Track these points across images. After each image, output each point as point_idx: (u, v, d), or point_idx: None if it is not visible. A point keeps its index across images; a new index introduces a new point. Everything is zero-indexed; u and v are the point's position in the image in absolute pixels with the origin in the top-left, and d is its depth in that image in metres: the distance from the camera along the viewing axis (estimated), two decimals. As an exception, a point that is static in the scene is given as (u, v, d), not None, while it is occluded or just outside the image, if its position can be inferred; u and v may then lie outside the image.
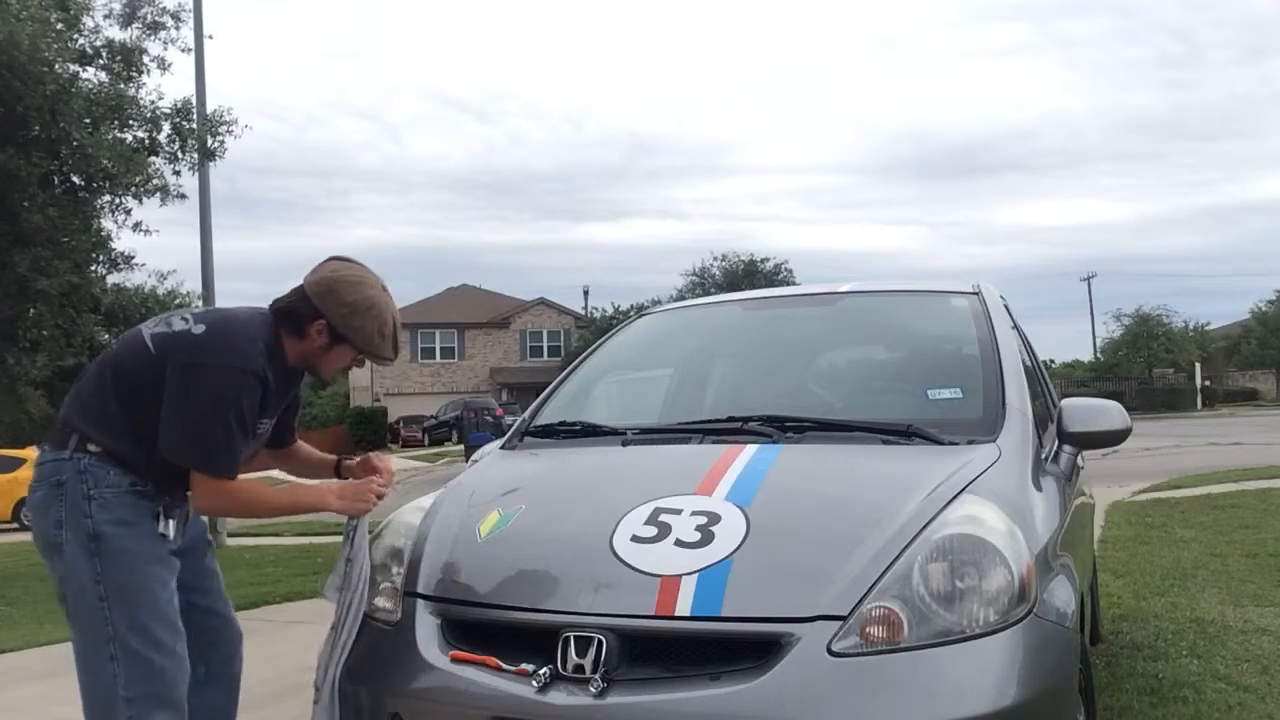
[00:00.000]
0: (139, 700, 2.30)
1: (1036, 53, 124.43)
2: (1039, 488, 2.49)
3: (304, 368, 2.58)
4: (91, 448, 2.34)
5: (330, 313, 2.46)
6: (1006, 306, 3.35)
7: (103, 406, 2.38)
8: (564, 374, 3.59)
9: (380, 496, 2.57)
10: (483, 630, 2.25)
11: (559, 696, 2.02)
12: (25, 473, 17.90)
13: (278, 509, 2.60)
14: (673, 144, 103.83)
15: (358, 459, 2.77)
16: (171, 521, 2.44)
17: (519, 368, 47.86)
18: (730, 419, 2.81)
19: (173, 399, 2.31)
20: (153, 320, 2.50)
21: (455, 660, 2.19)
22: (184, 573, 2.51)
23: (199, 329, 2.38)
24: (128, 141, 10.03)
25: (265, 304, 2.57)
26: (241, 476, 2.47)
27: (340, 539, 2.63)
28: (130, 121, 10.06)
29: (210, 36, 12.74)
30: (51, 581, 2.39)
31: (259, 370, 2.36)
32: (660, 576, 2.12)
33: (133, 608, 2.31)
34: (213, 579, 2.70)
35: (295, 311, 2.49)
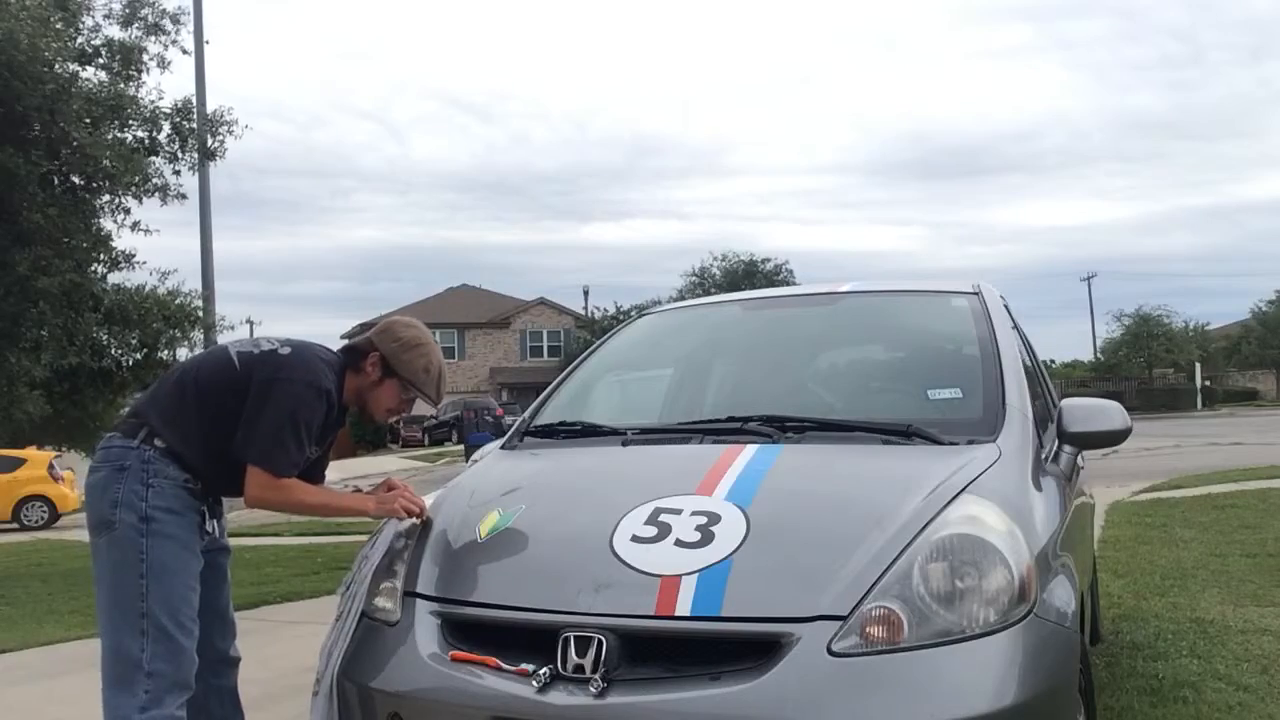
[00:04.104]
0: (158, 676, 2.48)
1: (1038, 53, 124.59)
2: (1039, 488, 2.49)
3: (356, 404, 2.83)
4: (158, 443, 2.59)
5: (384, 347, 2.76)
6: (1006, 306, 3.35)
7: (179, 410, 2.64)
8: (564, 374, 3.59)
9: (416, 506, 2.70)
10: (483, 630, 2.25)
11: (559, 696, 2.02)
12: (25, 473, 17.94)
13: (318, 507, 2.80)
14: (675, 145, 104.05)
15: (379, 484, 2.90)
16: (215, 521, 2.75)
17: (519, 368, 47.86)
18: (730, 419, 2.81)
19: (254, 406, 2.58)
20: (238, 341, 2.79)
21: (455, 660, 2.19)
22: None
23: (285, 351, 2.68)
24: (127, 141, 10.01)
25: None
26: None
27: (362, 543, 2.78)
28: (130, 121, 10.04)
29: (208, 41, 12.72)
30: (90, 563, 2.59)
31: (330, 391, 2.67)
32: (660, 576, 2.12)
33: (168, 589, 2.52)
34: (224, 582, 2.91)
35: (356, 347, 2.80)
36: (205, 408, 2.62)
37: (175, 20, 10.59)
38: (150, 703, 2.46)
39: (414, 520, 2.69)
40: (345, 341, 2.91)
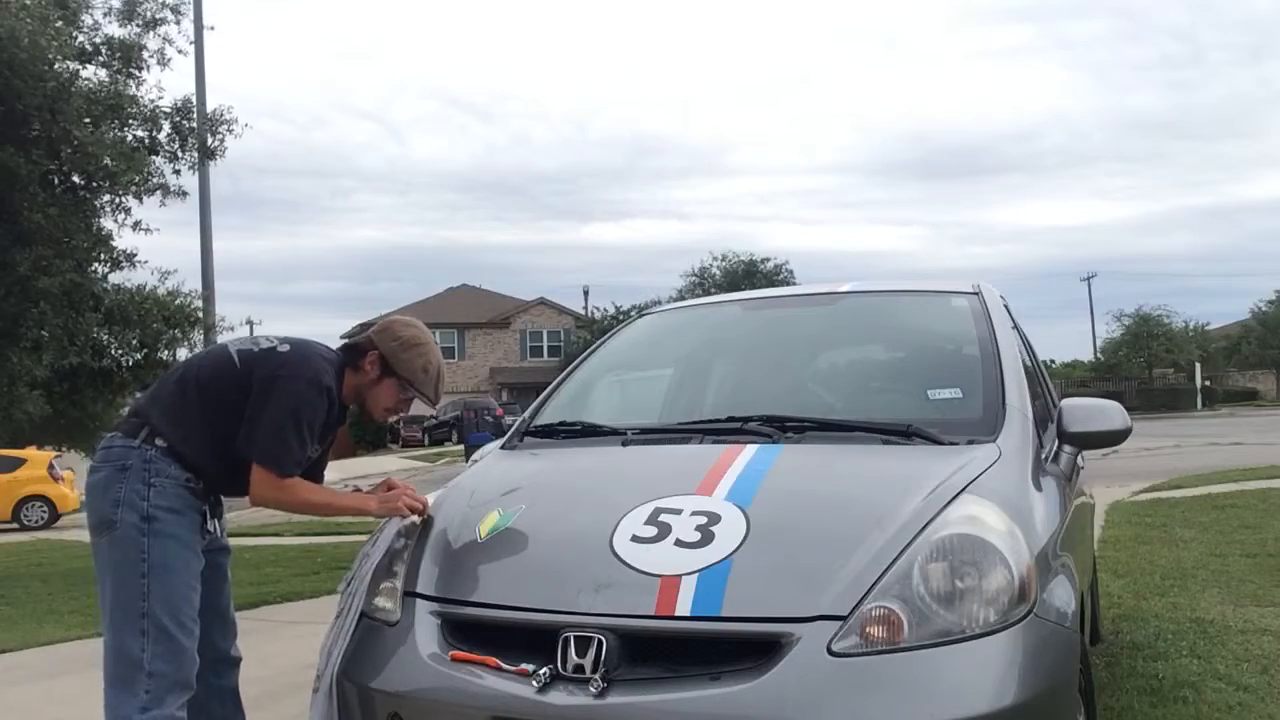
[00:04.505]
0: (159, 676, 2.48)
1: (1038, 53, 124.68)
2: (1039, 488, 2.49)
3: (356, 402, 2.83)
4: (159, 442, 2.59)
5: (383, 346, 2.75)
6: (1006, 306, 3.35)
7: (181, 410, 2.63)
8: (564, 374, 3.59)
9: (419, 504, 2.73)
10: (483, 630, 2.25)
11: (559, 696, 2.02)
12: (25, 473, 17.94)
13: (321, 506, 2.80)
14: (675, 144, 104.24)
15: (379, 484, 2.90)
16: (216, 520, 2.75)
17: (519, 368, 47.86)
18: (730, 419, 2.81)
19: (256, 404, 2.58)
20: (237, 339, 2.79)
21: (455, 660, 2.19)
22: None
23: (284, 348, 2.68)
24: (128, 140, 10.01)
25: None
26: None
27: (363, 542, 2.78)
28: (130, 120, 10.04)
29: (211, 28, 12.71)
30: (92, 563, 2.59)
31: (331, 388, 2.67)
32: (660, 576, 2.12)
33: (169, 588, 2.52)
34: (225, 582, 2.90)
35: (355, 345, 2.79)
36: (207, 406, 2.63)
37: (176, 11, 10.59)
38: (151, 702, 2.45)
39: (415, 519, 2.69)
40: (345, 340, 2.90)
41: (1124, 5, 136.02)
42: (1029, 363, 3.45)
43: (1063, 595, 2.22)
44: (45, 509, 18.07)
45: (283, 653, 5.16)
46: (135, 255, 10.61)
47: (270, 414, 2.56)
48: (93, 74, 9.99)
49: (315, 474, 2.89)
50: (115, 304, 10.44)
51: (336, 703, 2.40)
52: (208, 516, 2.69)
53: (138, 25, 10.30)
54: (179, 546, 2.55)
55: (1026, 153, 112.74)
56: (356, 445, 38.79)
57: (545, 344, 49.22)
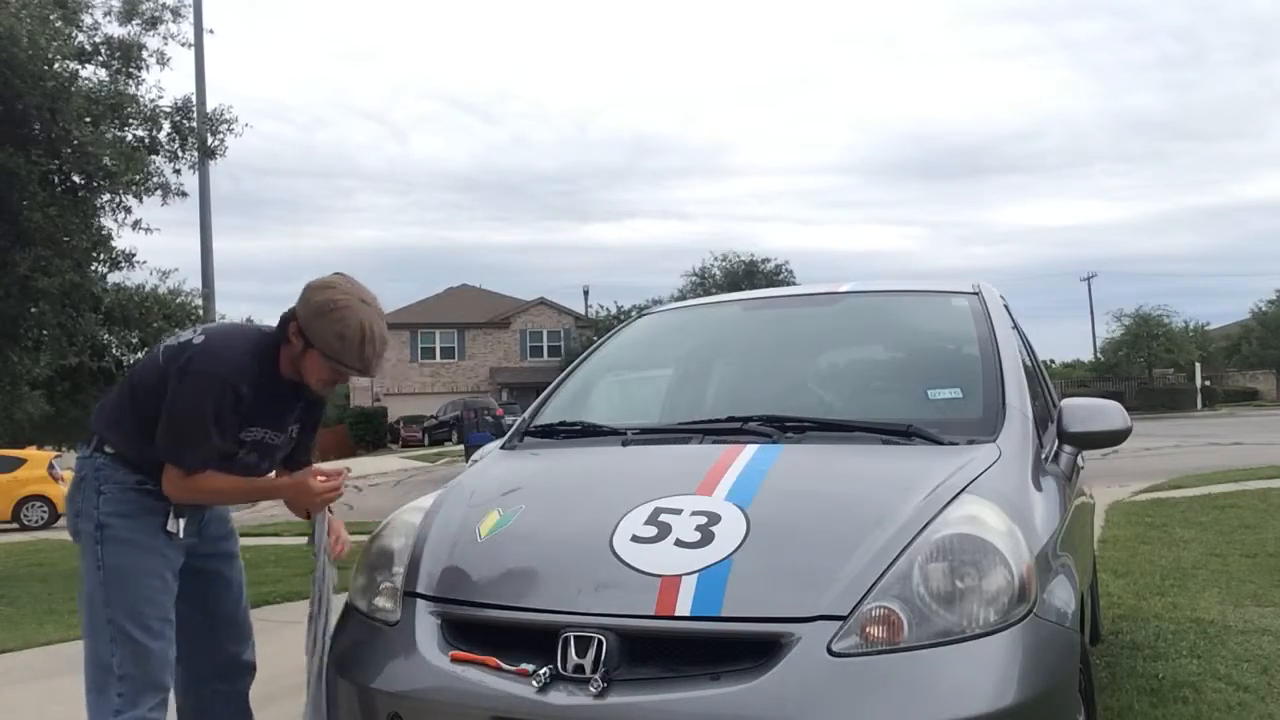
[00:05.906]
0: (129, 679, 2.50)
1: (1039, 53, 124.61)
2: (1039, 488, 2.49)
3: (296, 377, 2.63)
4: (107, 449, 2.59)
5: (299, 314, 2.54)
6: (1006, 306, 3.35)
7: (120, 412, 2.62)
8: (564, 374, 3.59)
9: (329, 490, 2.70)
10: (483, 630, 2.25)
11: (559, 696, 2.02)
12: (25, 472, 17.93)
13: (231, 491, 2.67)
14: (675, 145, 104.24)
15: (304, 472, 2.84)
16: (181, 520, 2.64)
17: (519, 368, 47.85)
18: (730, 419, 2.81)
19: (166, 401, 2.52)
20: (174, 334, 2.73)
21: (455, 660, 2.19)
22: (201, 581, 2.74)
23: (199, 340, 2.58)
24: (128, 140, 10.02)
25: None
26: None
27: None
28: (130, 120, 10.05)
29: (210, 31, 12.72)
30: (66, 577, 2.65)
31: (233, 379, 2.50)
32: (660, 576, 2.12)
33: (128, 593, 2.53)
34: (229, 589, 2.87)
35: (283, 316, 2.61)
36: (139, 407, 2.58)
37: (175, 13, 10.59)
38: (124, 705, 2.48)
39: (408, 521, 2.66)
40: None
41: (1125, 5, 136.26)
42: (1029, 363, 3.45)
43: (1063, 595, 2.22)
44: (45, 509, 18.06)
45: (283, 653, 5.14)
46: (135, 255, 10.63)
47: (171, 410, 2.49)
48: (92, 74, 10.00)
49: (300, 459, 2.85)
50: (115, 303, 10.44)
51: (325, 701, 2.42)
52: (171, 517, 2.61)
53: (137, 24, 10.30)
54: (132, 550, 2.54)
55: (1027, 153, 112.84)
56: (356, 445, 38.82)
57: (545, 344, 49.18)
